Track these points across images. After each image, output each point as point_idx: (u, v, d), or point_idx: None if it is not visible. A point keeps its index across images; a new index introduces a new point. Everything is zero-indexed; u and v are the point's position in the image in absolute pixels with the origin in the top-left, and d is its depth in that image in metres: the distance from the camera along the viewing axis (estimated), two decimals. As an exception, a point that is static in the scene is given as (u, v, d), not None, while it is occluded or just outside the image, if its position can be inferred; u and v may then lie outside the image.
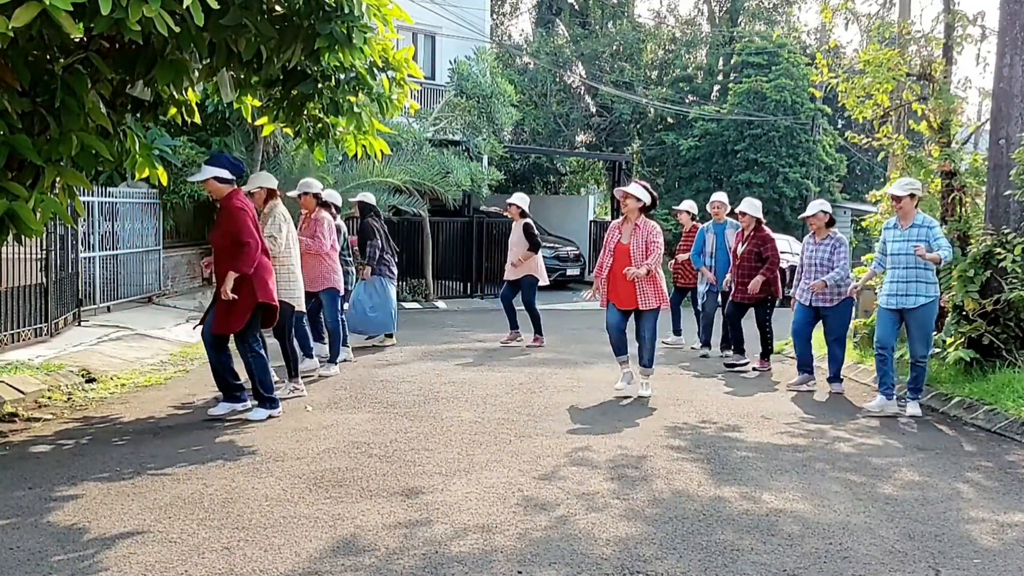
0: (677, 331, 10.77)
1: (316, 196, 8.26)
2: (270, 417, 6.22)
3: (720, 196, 10.15)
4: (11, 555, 3.67)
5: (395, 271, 9.92)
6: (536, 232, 10.34)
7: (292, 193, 9.10)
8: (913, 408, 6.85)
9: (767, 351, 9.00)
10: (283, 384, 7.00)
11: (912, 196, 6.82)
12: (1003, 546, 4.00)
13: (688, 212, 10.67)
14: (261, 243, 6.15)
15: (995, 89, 7.87)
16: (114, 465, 5.05)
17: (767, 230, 8.94)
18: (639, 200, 7.17)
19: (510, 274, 10.45)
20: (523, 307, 10.44)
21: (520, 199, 10.54)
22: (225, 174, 6.10)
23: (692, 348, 10.41)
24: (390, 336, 10.15)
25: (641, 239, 7.12)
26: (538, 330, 10.40)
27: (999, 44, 7.83)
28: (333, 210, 8.49)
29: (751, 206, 8.92)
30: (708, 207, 10.18)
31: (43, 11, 3.97)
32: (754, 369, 8.95)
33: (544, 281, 10.49)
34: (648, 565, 3.66)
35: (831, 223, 7.98)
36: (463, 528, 4.06)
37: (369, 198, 10.01)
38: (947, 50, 9.09)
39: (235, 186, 6.20)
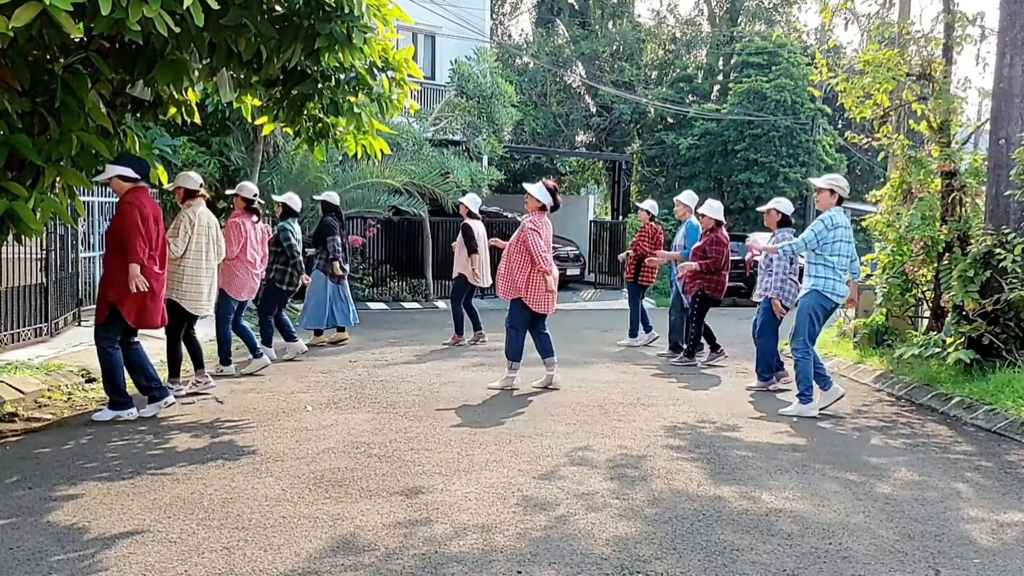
0: (647, 328, 10.90)
1: (245, 199, 8.26)
2: (117, 419, 6.17)
3: (680, 196, 10.26)
4: (11, 555, 3.67)
5: (346, 269, 10.20)
6: (473, 235, 10.47)
7: (278, 199, 9.21)
8: (793, 408, 6.75)
9: (690, 347, 9.21)
10: (188, 379, 7.19)
11: (832, 192, 6.77)
12: (1003, 546, 4.00)
13: (648, 212, 10.80)
14: (154, 243, 6.14)
15: (995, 89, 7.87)
16: (114, 465, 5.05)
17: (723, 234, 9.09)
18: (539, 200, 7.46)
19: (454, 272, 10.72)
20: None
21: (471, 200, 10.81)
22: (128, 172, 6.08)
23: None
24: (341, 330, 10.34)
25: (517, 236, 7.47)
26: (458, 330, 10.59)
27: (999, 44, 7.84)
28: (249, 213, 8.28)
29: (710, 208, 9.13)
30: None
31: (43, 11, 3.97)
32: (672, 362, 9.20)
33: (483, 284, 10.69)
34: (648, 565, 3.66)
35: (784, 222, 8.01)
36: (463, 528, 4.06)
37: (332, 198, 10.23)
38: (947, 50, 9.08)
39: (139, 184, 6.14)
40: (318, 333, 10.23)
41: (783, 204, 8.15)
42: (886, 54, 9.06)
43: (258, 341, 8.55)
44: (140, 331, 6.31)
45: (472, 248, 10.42)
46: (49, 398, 6.88)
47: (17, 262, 8.46)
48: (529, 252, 7.33)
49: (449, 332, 10.76)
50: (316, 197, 10.28)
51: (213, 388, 7.25)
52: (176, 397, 6.85)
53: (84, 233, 11.12)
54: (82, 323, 10.45)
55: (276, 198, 9.24)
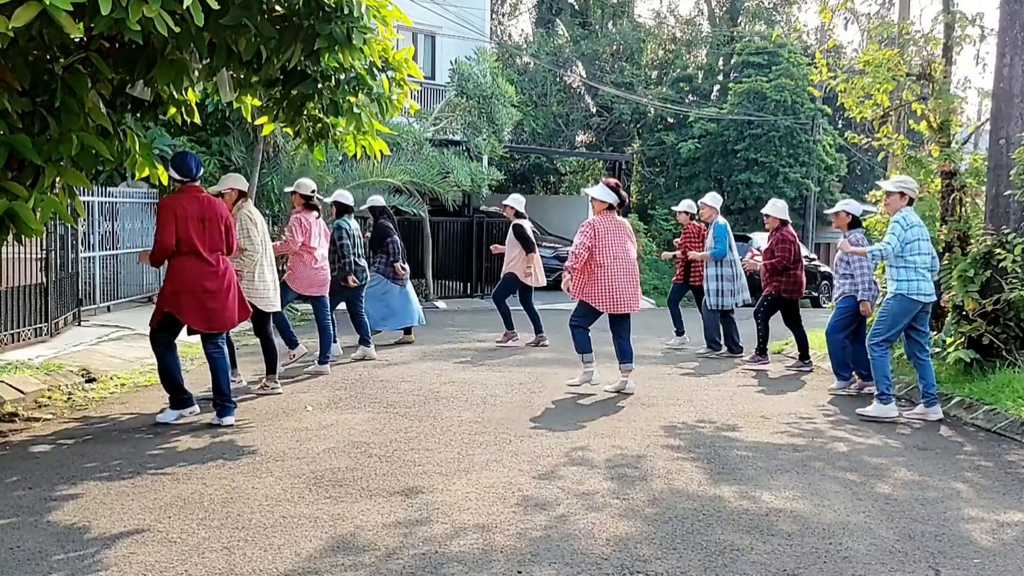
0: (680, 331, 10.79)
1: (303, 196, 8.32)
2: (180, 418, 6.16)
3: (704, 198, 10.24)
4: (11, 555, 3.68)
5: (405, 268, 10.19)
6: (527, 234, 10.33)
7: (329, 199, 9.27)
8: (874, 409, 6.65)
9: (761, 345, 9.21)
10: (260, 377, 7.27)
11: (902, 194, 6.66)
12: (1003, 546, 4.01)
13: (687, 212, 10.74)
14: (204, 241, 6.05)
15: (995, 89, 7.87)
16: (114, 465, 5.05)
17: (789, 231, 9.10)
18: (603, 201, 7.40)
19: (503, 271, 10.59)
20: (522, 307, 10.50)
21: (516, 200, 10.60)
22: (173, 173, 6.09)
23: (668, 346, 10.63)
24: (408, 332, 10.36)
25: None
26: (508, 325, 10.47)
27: (999, 44, 7.83)
28: (308, 209, 8.35)
29: (773, 207, 9.17)
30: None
31: (43, 11, 3.97)
32: (744, 366, 9.14)
33: (540, 283, 10.47)
34: (648, 565, 3.67)
35: (855, 223, 7.93)
36: (462, 527, 4.06)
37: (378, 201, 10.21)
38: (947, 50, 9.08)
39: (186, 183, 6.09)
40: (407, 332, 10.31)
41: (852, 206, 8.02)
42: (886, 54, 9.06)
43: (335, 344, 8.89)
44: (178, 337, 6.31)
45: (529, 247, 10.27)
46: (49, 398, 6.88)
47: (17, 262, 8.46)
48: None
49: (452, 332, 10.75)
50: (362, 207, 10.44)
51: (280, 393, 7.18)
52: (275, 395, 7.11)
53: (84, 233, 11.13)
54: (82, 323, 10.46)
55: (327, 199, 9.29)
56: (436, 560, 3.66)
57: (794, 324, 9.15)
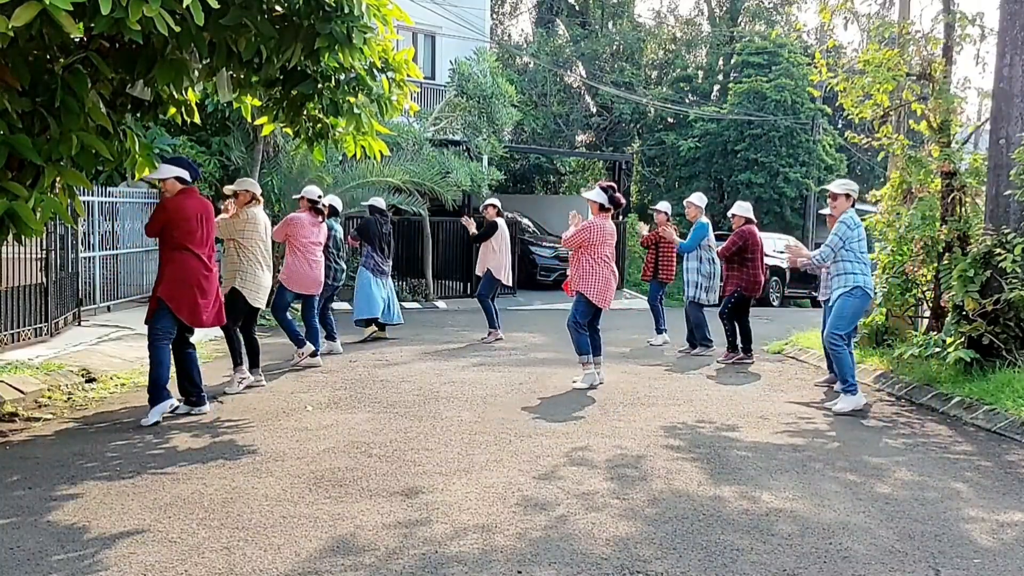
0: (660, 330, 11.01)
1: (311, 201, 8.72)
2: (203, 414, 6.40)
3: (691, 197, 10.50)
4: (11, 555, 3.68)
5: (384, 268, 10.42)
6: (496, 231, 10.82)
7: (325, 201, 9.62)
8: (841, 403, 6.88)
9: (732, 344, 9.50)
10: (234, 374, 7.39)
11: (848, 196, 7.10)
12: (1003, 546, 4.00)
13: (664, 212, 11.04)
14: (202, 240, 6.24)
15: (995, 89, 7.87)
16: (114, 465, 5.05)
17: (749, 229, 9.44)
18: (595, 202, 7.75)
19: (480, 270, 11.06)
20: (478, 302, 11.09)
21: (497, 200, 11.19)
22: (186, 175, 6.28)
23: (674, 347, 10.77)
24: (381, 328, 10.60)
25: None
26: (491, 324, 10.85)
27: (999, 44, 7.83)
28: (314, 213, 8.76)
29: (739, 208, 9.63)
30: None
31: (43, 11, 3.97)
32: (718, 361, 9.39)
33: (506, 282, 11.01)
34: (648, 565, 3.66)
35: None
36: (462, 528, 4.06)
37: (379, 202, 10.66)
38: (947, 50, 9.07)
39: (190, 186, 6.34)
40: (367, 324, 10.56)
41: None
42: (886, 54, 9.06)
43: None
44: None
45: (483, 238, 10.76)
46: (49, 398, 6.88)
47: (17, 262, 8.47)
48: (583, 247, 7.63)
49: (452, 332, 10.78)
50: (364, 203, 10.98)
51: (264, 385, 7.50)
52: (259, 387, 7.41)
53: (84, 233, 11.13)
54: (82, 323, 10.46)
55: (324, 200, 9.57)
56: (436, 560, 3.66)
57: (732, 318, 9.47)
